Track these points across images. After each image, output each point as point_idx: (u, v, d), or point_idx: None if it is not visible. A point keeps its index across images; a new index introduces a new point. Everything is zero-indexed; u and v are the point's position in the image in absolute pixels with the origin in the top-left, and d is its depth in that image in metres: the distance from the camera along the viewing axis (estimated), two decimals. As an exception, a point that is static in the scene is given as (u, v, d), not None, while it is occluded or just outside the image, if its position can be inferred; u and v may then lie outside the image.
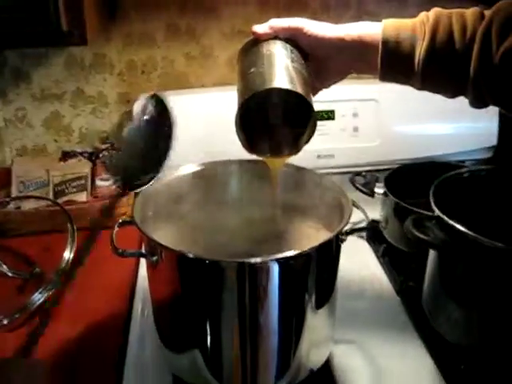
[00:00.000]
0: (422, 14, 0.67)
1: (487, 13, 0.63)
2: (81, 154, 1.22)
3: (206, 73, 1.25)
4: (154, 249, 0.66)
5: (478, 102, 0.66)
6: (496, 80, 0.62)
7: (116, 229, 0.72)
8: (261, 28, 0.71)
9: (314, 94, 0.73)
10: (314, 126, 0.67)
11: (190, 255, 0.60)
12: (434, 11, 0.67)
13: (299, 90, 0.64)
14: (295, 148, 0.71)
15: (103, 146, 1.24)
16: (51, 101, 1.23)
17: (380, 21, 0.69)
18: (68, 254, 0.94)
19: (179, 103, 1.16)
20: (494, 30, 0.61)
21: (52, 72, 1.21)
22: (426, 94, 0.70)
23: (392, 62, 0.67)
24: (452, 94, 0.68)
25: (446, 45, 0.64)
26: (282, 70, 0.65)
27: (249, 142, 0.70)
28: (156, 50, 1.22)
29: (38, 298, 0.87)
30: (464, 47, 0.63)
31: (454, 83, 0.66)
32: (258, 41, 0.72)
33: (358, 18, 0.78)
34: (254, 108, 0.68)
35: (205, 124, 1.15)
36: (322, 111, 1.14)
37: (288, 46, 0.70)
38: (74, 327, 0.84)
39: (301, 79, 0.66)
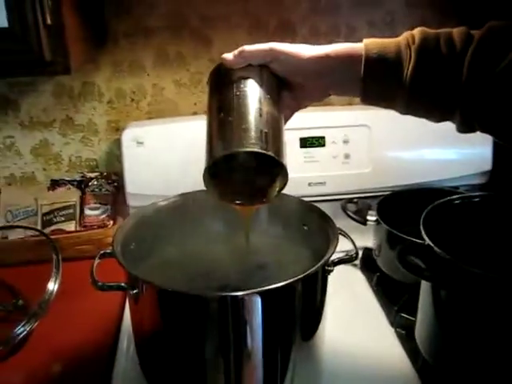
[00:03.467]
0: (406, 34, 0.64)
1: (476, 33, 0.61)
2: (70, 182, 1.21)
3: (196, 100, 1.24)
4: (134, 282, 0.64)
5: (465, 126, 0.63)
6: (486, 102, 0.60)
7: (97, 261, 0.70)
8: (231, 56, 0.67)
9: (290, 116, 0.70)
10: (285, 179, 0.63)
11: (170, 289, 0.59)
12: (420, 31, 0.63)
13: (271, 149, 0.60)
14: (266, 197, 0.67)
15: (92, 175, 1.22)
16: (40, 129, 1.22)
17: None
18: (52, 286, 0.92)
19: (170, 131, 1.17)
20: (485, 51, 0.59)
21: (40, 100, 1.20)
22: (418, 120, 0.67)
23: (376, 79, 0.64)
24: (438, 117, 0.65)
25: (435, 65, 0.61)
26: (252, 123, 0.61)
27: (218, 192, 0.66)
28: (145, 77, 1.21)
29: (21, 330, 0.85)
30: (453, 67, 0.60)
31: (442, 103, 0.63)
32: (229, 69, 0.67)
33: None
34: (222, 160, 0.62)
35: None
36: (312, 138, 1.11)
37: (260, 78, 0.66)
38: (56, 359, 0.83)
39: (274, 129, 0.62)
